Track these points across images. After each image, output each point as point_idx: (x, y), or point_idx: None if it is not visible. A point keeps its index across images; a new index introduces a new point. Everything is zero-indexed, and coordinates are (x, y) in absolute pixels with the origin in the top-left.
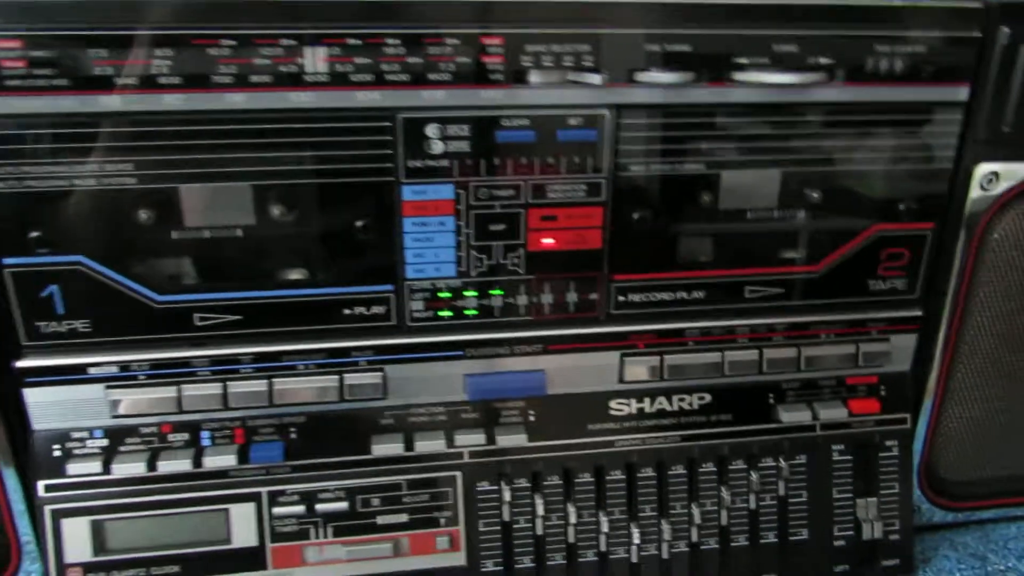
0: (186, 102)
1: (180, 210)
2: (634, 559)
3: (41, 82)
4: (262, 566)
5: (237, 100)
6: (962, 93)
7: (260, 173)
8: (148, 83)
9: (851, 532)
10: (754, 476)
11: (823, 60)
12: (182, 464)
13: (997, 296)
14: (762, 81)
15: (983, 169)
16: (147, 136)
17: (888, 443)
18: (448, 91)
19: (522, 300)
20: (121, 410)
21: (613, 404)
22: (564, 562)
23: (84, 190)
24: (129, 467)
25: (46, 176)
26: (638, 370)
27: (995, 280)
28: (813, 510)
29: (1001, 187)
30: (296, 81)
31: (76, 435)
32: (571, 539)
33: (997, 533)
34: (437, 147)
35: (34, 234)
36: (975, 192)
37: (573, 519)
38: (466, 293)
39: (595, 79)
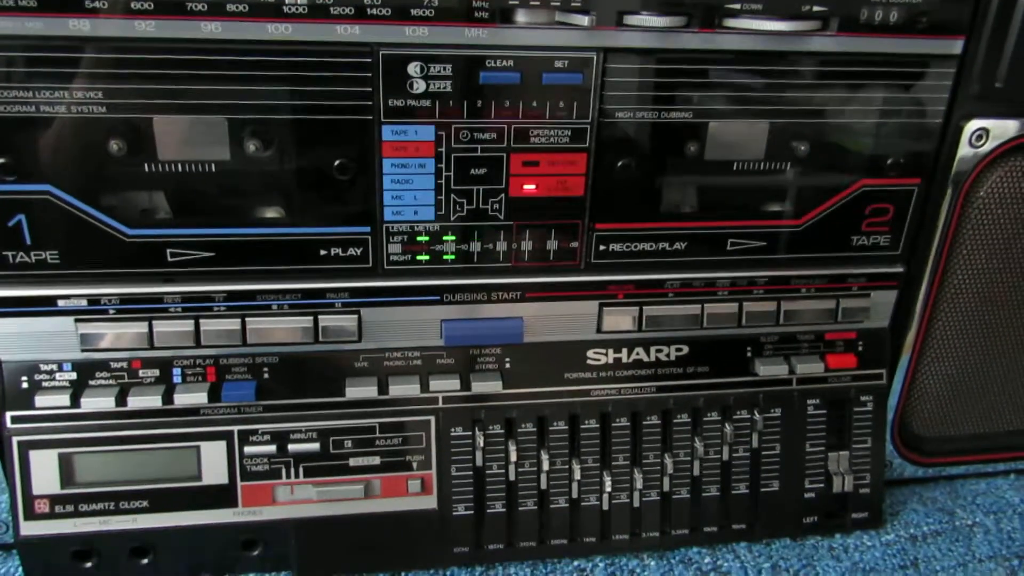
0: (159, 29)
1: (153, 142)
2: (605, 507)
3: (7, 2)
4: (232, 504)
5: (212, 29)
6: (956, 46)
7: (236, 107)
8: (120, 8)
9: (821, 485)
10: (728, 428)
11: (817, 8)
12: (152, 400)
13: (980, 254)
14: (754, 28)
15: (973, 125)
16: (118, 64)
17: (863, 398)
18: (431, 28)
19: (501, 246)
20: (90, 344)
21: (590, 354)
22: (535, 508)
23: (52, 117)
24: (98, 401)
25: (12, 101)
26: (616, 320)
27: (979, 238)
28: (785, 463)
29: (990, 144)
30: (274, 12)
31: (45, 367)
32: (543, 486)
33: (966, 489)
34: (419, 86)
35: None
36: (964, 149)
37: (546, 466)
38: (445, 238)
39: (583, 20)
